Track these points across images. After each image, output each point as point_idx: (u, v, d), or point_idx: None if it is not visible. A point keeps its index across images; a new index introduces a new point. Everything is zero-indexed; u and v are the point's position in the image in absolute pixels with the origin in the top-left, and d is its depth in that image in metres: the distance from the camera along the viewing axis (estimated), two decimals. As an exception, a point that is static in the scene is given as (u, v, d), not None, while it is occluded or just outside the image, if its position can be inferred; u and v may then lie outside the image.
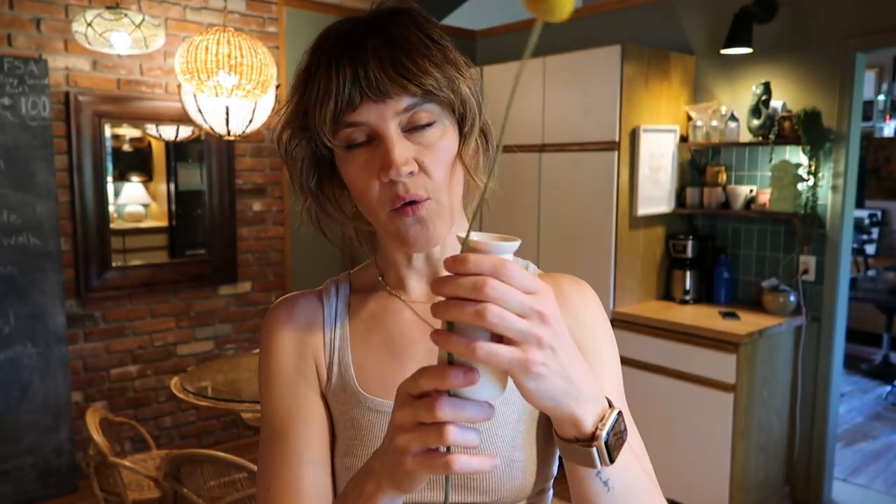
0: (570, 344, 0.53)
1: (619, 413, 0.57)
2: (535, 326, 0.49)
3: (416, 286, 0.80)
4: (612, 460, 0.55)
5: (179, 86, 2.56)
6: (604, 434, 0.54)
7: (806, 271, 3.08)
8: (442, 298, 0.50)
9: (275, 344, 0.79)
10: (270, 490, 0.73)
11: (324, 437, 0.76)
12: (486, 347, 0.48)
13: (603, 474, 0.58)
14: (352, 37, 0.67)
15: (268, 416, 0.77)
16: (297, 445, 0.74)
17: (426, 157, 0.68)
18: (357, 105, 0.66)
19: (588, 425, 0.54)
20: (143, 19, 2.72)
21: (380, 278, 0.82)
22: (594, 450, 0.55)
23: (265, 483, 0.74)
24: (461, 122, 0.72)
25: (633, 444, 0.72)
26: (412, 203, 0.68)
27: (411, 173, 0.67)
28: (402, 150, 0.66)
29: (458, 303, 0.48)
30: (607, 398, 0.58)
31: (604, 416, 0.56)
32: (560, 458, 0.79)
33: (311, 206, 0.78)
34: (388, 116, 0.66)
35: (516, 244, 0.51)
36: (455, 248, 0.77)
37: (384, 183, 0.68)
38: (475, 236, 0.52)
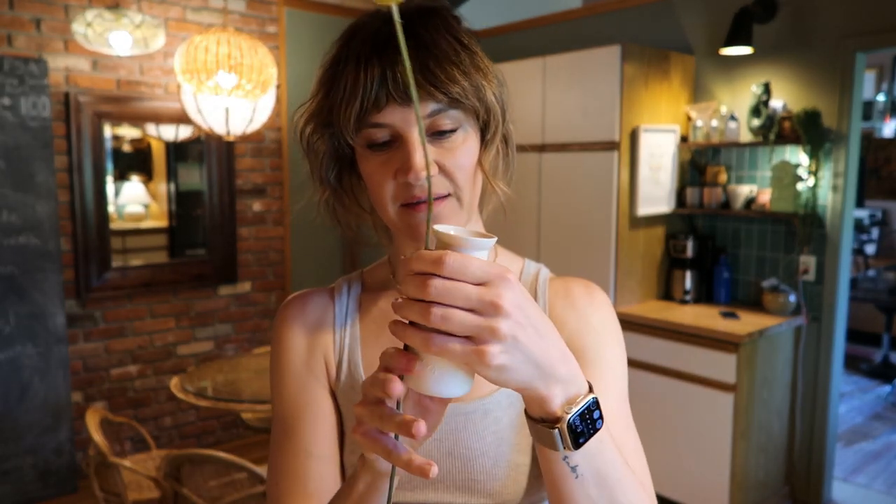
0: (538, 327, 0.51)
1: (595, 400, 0.55)
2: (489, 320, 0.47)
3: None
4: (577, 446, 0.54)
5: (179, 86, 2.56)
6: (569, 417, 0.53)
7: (806, 271, 3.08)
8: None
9: (285, 340, 0.80)
10: (279, 484, 0.74)
11: (332, 433, 0.76)
12: (439, 342, 0.47)
13: (570, 460, 0.56)
14: (381, 36, 0.67)
15: (278, 411, 0.78)
16: (305, 440, 0.75)
17: (447, 160, 0.68)
18: (382, 106, 0.66)
19: (554, 406, 0.53)
20: (143, 19, 2.72)
21: (391, 276, 0.82)
22: (556, 432, 0.53)
23: (274, 477, 0.75)
24: (484, 129, 0.72)
25: (628, 442, 0.72)
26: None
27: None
28: (423, 154, 0.66)
29: (409, 302, 0.48)
30: (589, 384, 0.56)
31: (575, 400, 0.54)
32: None
33: (329, 198, 0.78)
34: (412, 120, 0.66)
35: (490, 241, 0.50)
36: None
37: (401, 183, 0.68)
38: (451, 230, 0.51)
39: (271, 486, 0.75)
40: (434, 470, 0.51)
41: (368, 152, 0.69)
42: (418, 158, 0.66)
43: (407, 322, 0.49)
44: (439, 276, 0.47)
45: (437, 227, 0.51)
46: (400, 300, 0.49)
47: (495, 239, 0.51)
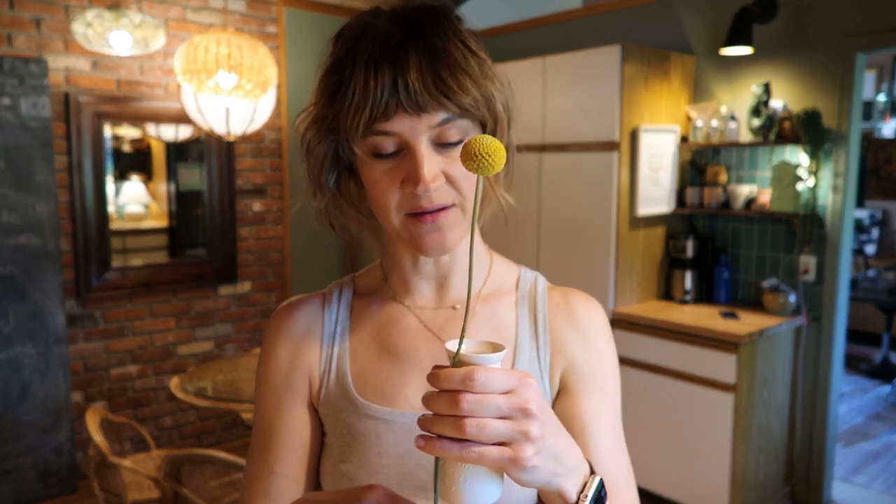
0: (554, 421, 0.55)
1: (601, 480, 0.58)
2: (520, 423, 0.50)
3: (423, 291, 0.79)
4: None
5: (179, 86, 2.57)
6: (587, 503, 0.56)
7: (806, 271, 3.08)
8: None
9: (269, 354, 0.79)
10: (242, 498, 0.76)
11: (301, 452, 0.76)
12: (477, 450, 0.49)
13: None
14: (390, 41, 0.65)
15: (256, 423, 0.79)
16: (270, 457, 0.76)
17: (454, 170, 0.67)
18: (391, 115, 0.64)
19: (572, 497, 0.56)
20: (143, 19, 2.72)
21: (383, 281, 0.81)
22: None
23: (242, 490, 0.78)
24: None
25: (622, 476, 0.73)
26: (434, 211, 0.67)
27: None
28: (431, 165, 0.65)
29: (440, 418, 0.50)
30: (589, 463, 0.60)
31: (585, 485, 0.57)
32: None
33: (328, 204, 0.77)
34: (420, 130, 0.65)
35: (501, 354, 0.53)
36: (465, 256, 0.78)
37: (407, 192, 0.67)
38: (458, 344, 0.53)
39: (241, 497, 0.77)
40: None
41: (372, 160, 0.68)
42: (427, 169, 0.65)
43: (435, 436, 0.51)
44: (469, 391, 0.49)
45: (449, 344, 0.53)
46: (428, 414, 0.51)
47: (504, 351, 0.53)
